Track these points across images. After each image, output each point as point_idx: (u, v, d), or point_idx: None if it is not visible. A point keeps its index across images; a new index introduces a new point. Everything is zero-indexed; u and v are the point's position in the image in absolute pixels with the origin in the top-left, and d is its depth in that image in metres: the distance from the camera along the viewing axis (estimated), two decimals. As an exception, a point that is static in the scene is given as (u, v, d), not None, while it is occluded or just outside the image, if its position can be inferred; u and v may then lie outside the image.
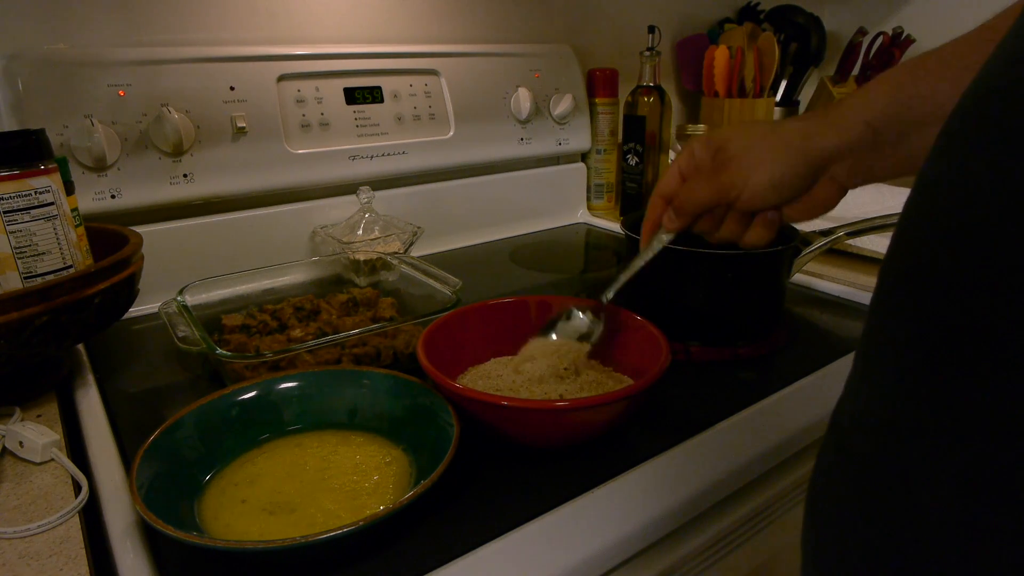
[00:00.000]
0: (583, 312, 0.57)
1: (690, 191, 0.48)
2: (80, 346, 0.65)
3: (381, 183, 0.92)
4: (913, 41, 1.19)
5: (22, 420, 0.50)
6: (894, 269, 0.25)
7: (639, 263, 0.54)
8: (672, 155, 1.13)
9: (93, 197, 0.72)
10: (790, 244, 0.63)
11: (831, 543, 0.29)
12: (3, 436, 0.48)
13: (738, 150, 0.45)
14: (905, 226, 0.25)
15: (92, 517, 0.42)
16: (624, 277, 0.55)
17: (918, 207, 0.24)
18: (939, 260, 0.22)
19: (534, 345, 0.56)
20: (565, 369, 0.53)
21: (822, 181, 0.44)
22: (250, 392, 0.50)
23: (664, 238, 0.52)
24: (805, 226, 0.71)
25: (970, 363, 0.21)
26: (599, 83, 1.14)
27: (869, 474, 0.26)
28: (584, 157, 1.17)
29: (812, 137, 0.42)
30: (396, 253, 0.78)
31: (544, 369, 0.52)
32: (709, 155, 0.48)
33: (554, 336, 0.56)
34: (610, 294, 0.55)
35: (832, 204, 0.45)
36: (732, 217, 0.48)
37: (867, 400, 0.26)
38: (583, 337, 0.56)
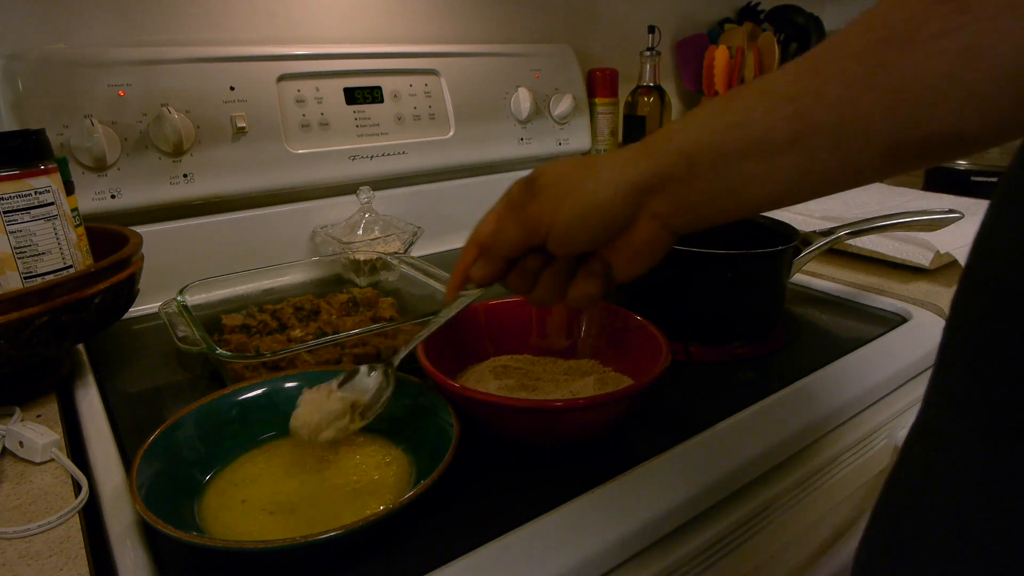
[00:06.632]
0: (373, 371, 0.49)
1: (498, 231, 0.41)
2: (80, 346, 0.65)
3: (381, 183, 0.92)
4: (913, 41, 1.19)
5: (22, 420, 0.50)
6: (972, 278, 0.24)
7: (440, 320, 0.48)
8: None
9: (93, 197, 0.72)
10: (790, 244, 0.63)
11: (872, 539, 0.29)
12: (3, 436, 0.48)
13: (548, 181, 0.39)
14: (984, 237, 0.24)
15: (92, 517, 0.42)
16: (419, 338, 0.49)
17: (1003, 217, 0.23)
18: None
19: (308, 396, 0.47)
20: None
21: (642, 219, 0.39)
22: (250, 392, 0.50)
23: (472, 293, 0.45)
24: (805, 226, 0.71)
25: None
26: (599, 83, 1.14)
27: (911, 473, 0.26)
28: (584, 157, 1.17)
29: (625, 166, 0.38)
30: (396, 253, 0.78)
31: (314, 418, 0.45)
32: (525, 193, 0.40)
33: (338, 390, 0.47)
34: (398, 359, 0.49)
35: (659, 249, 0.39)
36: (550, 272, 0.42)
37: (926, 407, 0.26)
38: (370, 395, 0.47)
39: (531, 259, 0.41)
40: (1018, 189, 0.22)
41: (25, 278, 0.52)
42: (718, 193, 0.36)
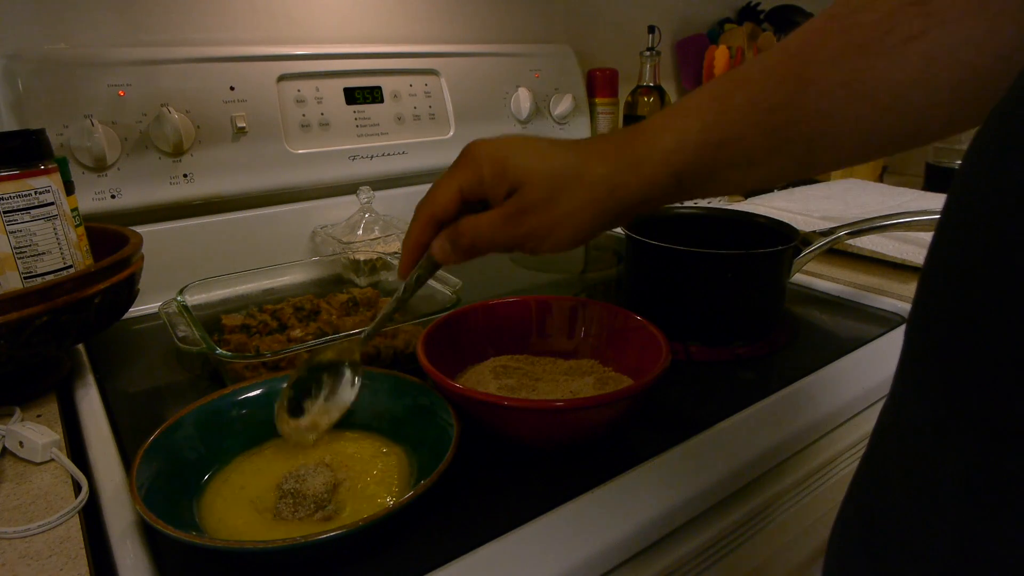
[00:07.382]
0: (343, 367, 0.48)
1: (482, 233, 0.41)
2: (80, 346, 0.65)
3: (381, 183, 0.92)
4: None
5: (22, 420, 0.50)
6: (933, 266, 0.24)
7: (406, 296, 0.47)
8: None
9: (93, 197, 0.72)
10: (790, 244, 0.63)
11: (838, 534, 0.29)
12: (3, 436, 0.48)
13: (539, 200, 0.40)
14: (944, 226, 0.24)
15: (92, 517, 0.42)
16: (384, 316, 0.49)
17: (959, 208, 0.23)
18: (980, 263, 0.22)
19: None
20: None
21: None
22: (250, 392, 0.50)
23: (432, 270, 0.46)
24: (805, 226, 0.71)
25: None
26: (599, 83, 1.14)
27: (870, 469, 0.26)
28: (584, 157, 1.17)
29: (618, 189, 0.40)
30: (396, 253, 0.78)
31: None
32: (501, 188, 0.40)
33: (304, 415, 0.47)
34: (367, 337, 0.49)
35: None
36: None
37: (892, 394, 0.26)
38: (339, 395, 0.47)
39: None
40: (976, 174, 0.22)
41: (25, 278, 0.52)
42: (698, 195, 0.41)
